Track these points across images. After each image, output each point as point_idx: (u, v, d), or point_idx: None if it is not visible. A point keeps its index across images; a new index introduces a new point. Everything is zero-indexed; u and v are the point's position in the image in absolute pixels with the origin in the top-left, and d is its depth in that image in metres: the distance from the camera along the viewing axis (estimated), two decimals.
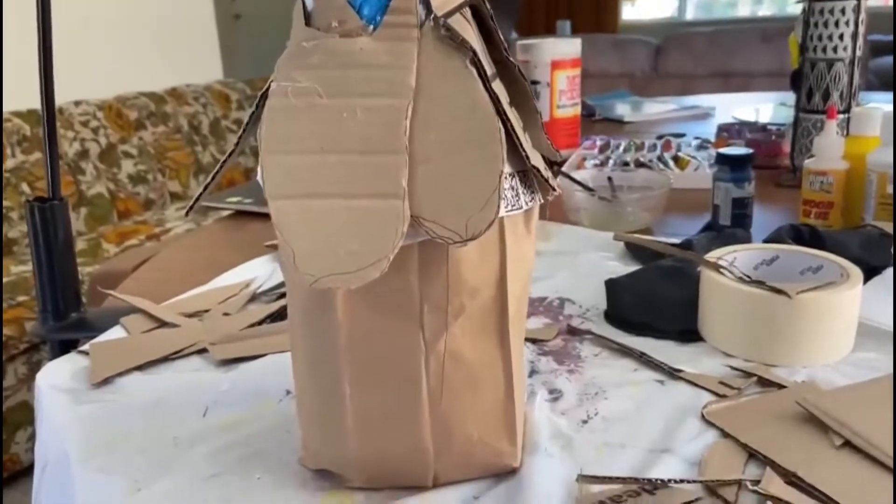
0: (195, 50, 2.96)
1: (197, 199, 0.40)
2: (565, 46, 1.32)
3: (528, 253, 0.45)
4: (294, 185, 0.37)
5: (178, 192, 2.56)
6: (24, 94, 1.92)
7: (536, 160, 0.42)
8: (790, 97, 1.73)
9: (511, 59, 0.41)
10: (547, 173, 0.43)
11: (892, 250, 0.69)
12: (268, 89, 0.38)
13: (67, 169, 2.20)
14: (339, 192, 0.36)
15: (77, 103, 2.34)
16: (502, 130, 0.36)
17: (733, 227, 0.85)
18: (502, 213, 0.39)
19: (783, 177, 1.11)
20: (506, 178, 0.39)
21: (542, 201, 0.44)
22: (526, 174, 0.42)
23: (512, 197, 0.41)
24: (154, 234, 2.14)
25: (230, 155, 0.40)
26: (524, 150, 0.40)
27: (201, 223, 2.12)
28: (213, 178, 0.40)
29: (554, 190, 0.43)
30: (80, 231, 2.20)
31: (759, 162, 1.07)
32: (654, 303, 0.65)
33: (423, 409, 0.42)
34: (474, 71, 0.37)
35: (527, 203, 0.42)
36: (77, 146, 2.26)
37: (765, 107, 1.76)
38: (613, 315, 0.66)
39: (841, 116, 1.02)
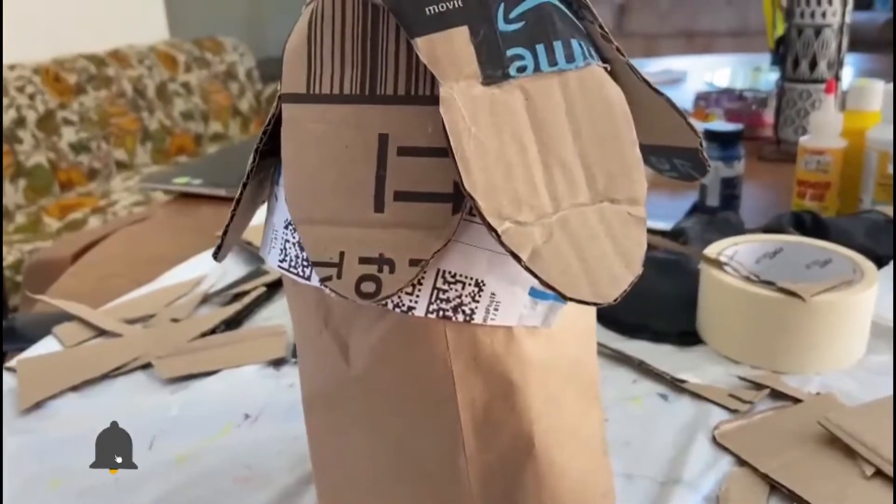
0: (138, 7, 2.78)
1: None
2: None
3: None
4: None
5: (124, 160, 2.42)
6: None
7: None
8: (764, 60, 1.68)
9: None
10: None
11: None
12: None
13: (3, 138, 2.06)
14: None
15: (11, 67, 2.18)
16: None
17: (722, 209, 0.80)
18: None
19: (765, 149, 1.06)
20: None
21: None
22: None
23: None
24: (99, 206, 2.01)
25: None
26: None
27: (150, 195, 2.01)
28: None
29: None
30: (20, 204, 2.06)
31: None
32: (649, 302, 0.60)
33: None
34: None
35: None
36: (13, 113, 2.11)
37: (739, 71, 1.71)
38: (604, 315, 0.61)
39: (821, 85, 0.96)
